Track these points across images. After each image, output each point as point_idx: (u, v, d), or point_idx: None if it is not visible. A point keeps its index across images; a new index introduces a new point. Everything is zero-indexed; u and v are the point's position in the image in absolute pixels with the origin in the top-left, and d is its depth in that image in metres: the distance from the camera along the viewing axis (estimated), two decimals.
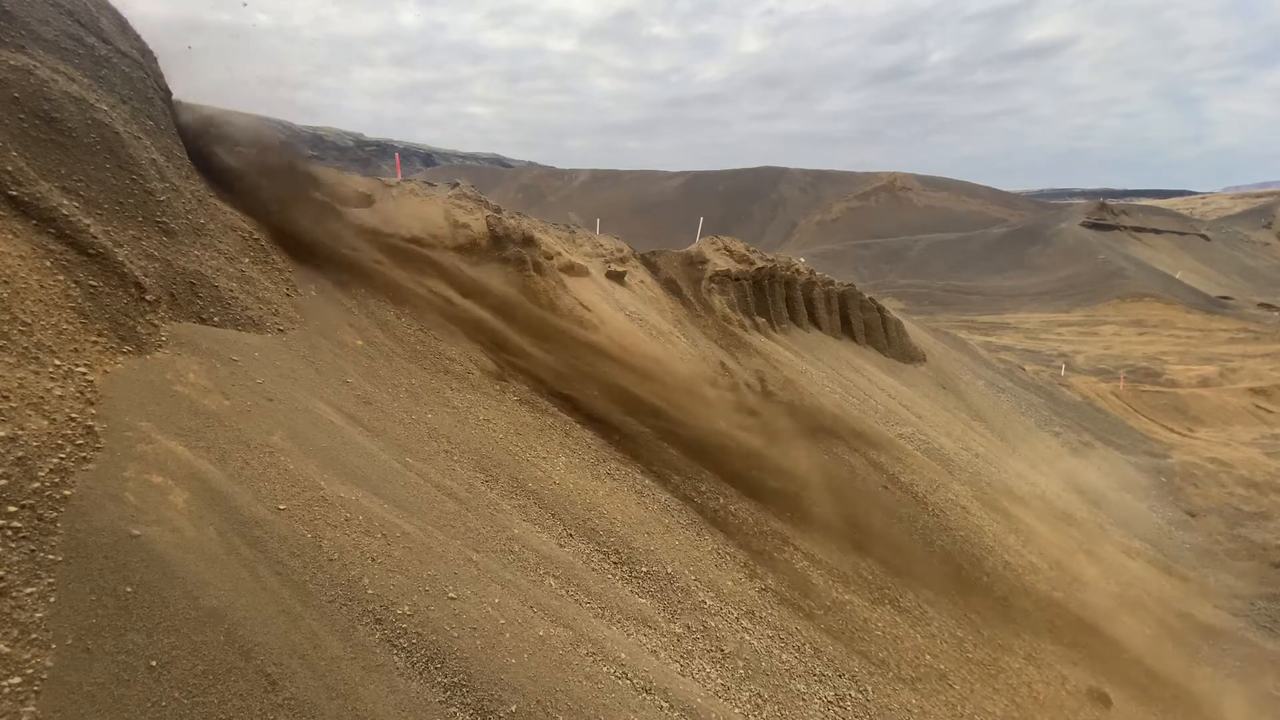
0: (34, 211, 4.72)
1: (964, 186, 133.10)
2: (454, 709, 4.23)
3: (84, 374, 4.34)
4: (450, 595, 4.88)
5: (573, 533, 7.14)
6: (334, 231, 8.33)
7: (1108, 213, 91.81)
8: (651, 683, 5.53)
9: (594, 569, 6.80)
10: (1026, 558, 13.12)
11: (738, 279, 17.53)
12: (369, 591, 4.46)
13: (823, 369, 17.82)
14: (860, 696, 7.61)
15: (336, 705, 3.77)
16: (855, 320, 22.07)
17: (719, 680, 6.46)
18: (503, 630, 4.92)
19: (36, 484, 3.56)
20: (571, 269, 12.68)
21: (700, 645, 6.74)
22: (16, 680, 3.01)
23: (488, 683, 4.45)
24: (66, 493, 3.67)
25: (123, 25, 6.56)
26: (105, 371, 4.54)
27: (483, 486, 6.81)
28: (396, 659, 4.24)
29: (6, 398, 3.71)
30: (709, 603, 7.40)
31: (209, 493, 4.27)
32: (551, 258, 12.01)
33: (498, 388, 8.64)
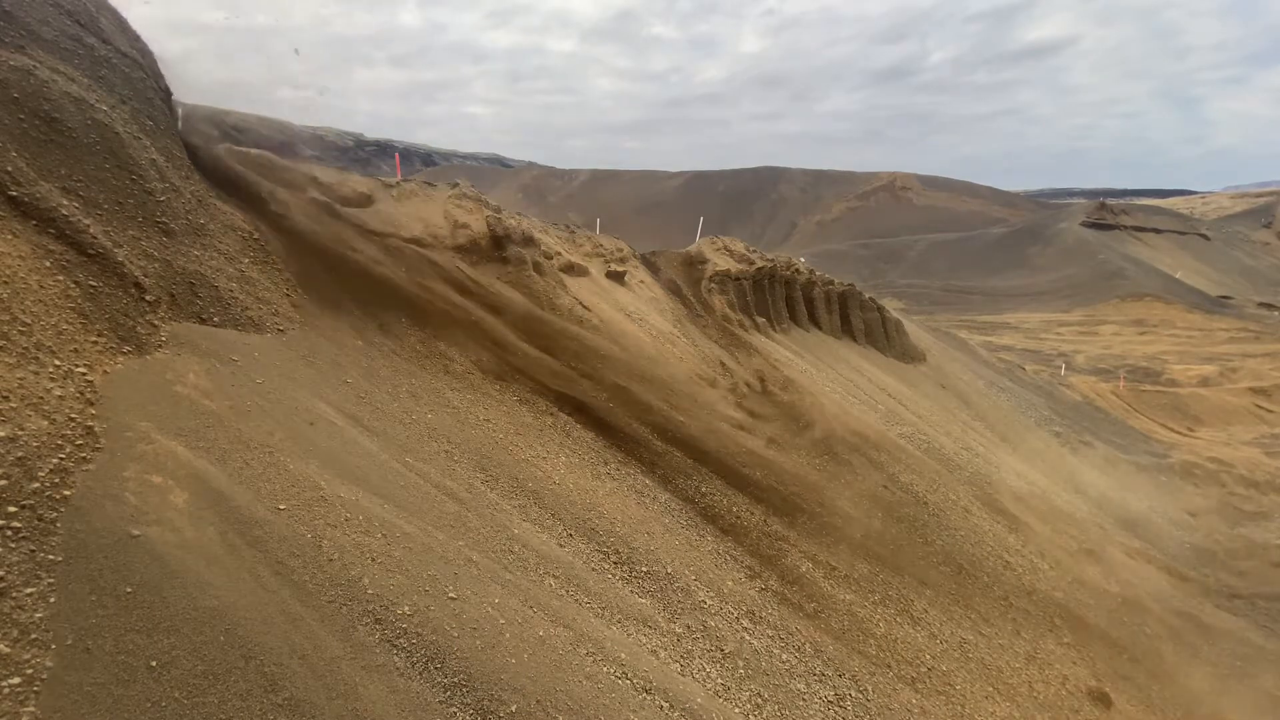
0: (34, 212, 4.72)
1: (964, 186, 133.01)
2: (454, 709, 4.23)
3: (84, 374, 4.34)
4: (450, 595, 4.88)
5: (573, 533, 7.14)
6: (335, 232, 8.33)
7: (1108, 213, 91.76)
8: (651, 683, 5.53)
9: (594, 569, 6.80)
10: (1027, 557, 13.12)
11: (738, 279, 17.53)
12: (369, 591, 4.46)
13: (823, 369, 17.83)
14: (860, 696, 7.61)
15: (336, 705, 3.77)
16: (855, 320, 22.06)
17: (719, 680, 6.46)
18: (503, 630, 4.91)
19: (36, 484, 3.56)
20: (571, 269, 12.68)
21: (700, 645, 6.74)
22: (16, 680, 3.01)
23: (488, 683, 4.45)
24: (66, 493, 3.67)
25: (122, 25, 6.56)
26: (105, 372, 4.54)
27: (483, 486, 6.81)
28: (396, 659, 4.24)
29: (6, 398, 3.71)
30: (709, 603, 7.40)
31: (209, 493, 4.27)
32: (551, 258, 12.00)
33: (498, 388, 8.64)
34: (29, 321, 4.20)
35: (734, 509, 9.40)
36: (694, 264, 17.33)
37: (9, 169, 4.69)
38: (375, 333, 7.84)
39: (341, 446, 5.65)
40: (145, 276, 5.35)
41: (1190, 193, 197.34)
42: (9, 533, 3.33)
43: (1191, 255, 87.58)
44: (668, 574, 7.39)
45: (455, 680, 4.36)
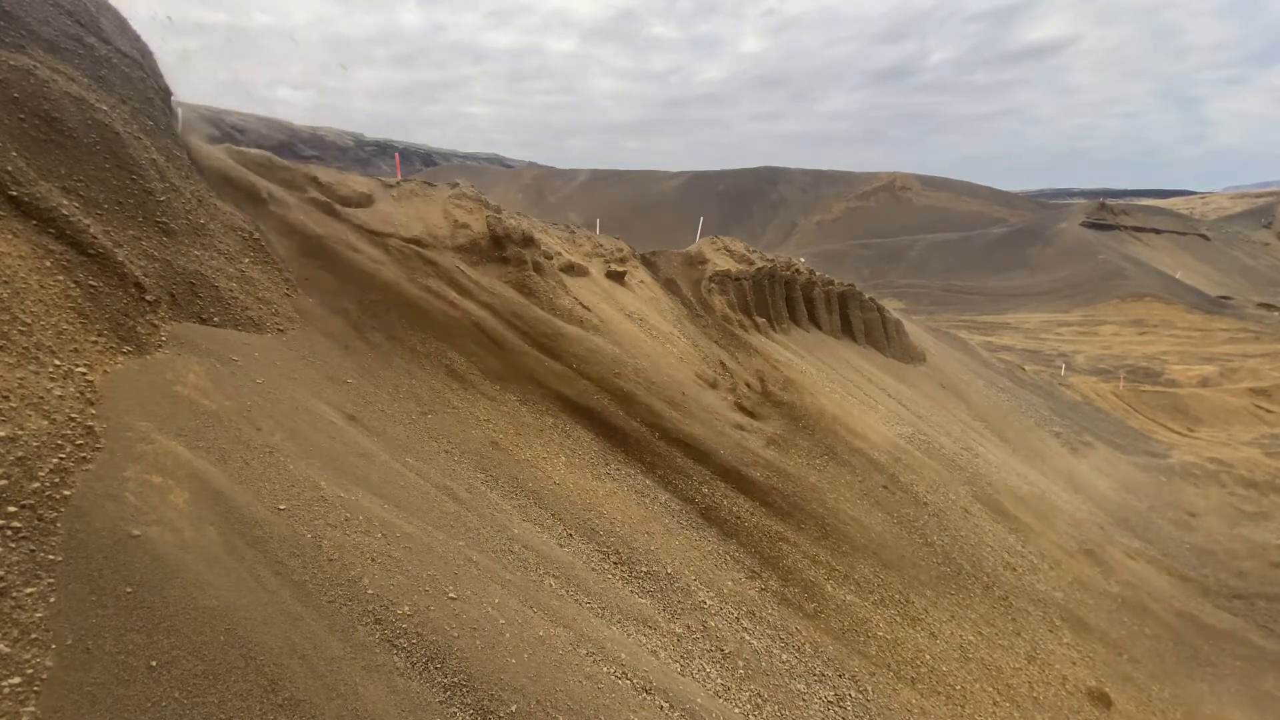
0: (34, 211, 4.72)
1: (964, 186, 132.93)
2: (454, 709, 4.23)
3: (84, 374, 4.34)
4: (450, 595, 4.88)
5: (573, 533, 7.14)
6: (335, 232, 8.34)
7: (1108, 213, 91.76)
8: (651, 683, 5.52)
9: (594, 569, 6.80)
10: (1027, 558, 13.12)
11: (738, 279, 17.52)
12: (369, 591, 4.46)
13: (823, 369, 17.82)
14: (860, 696, 7.61)
15: (336, 705, 3.77)
16: (855, 320, 22.06)
17: (719, 680, 6.46)
18: (503, 630, 4.91)
19: (36, 484, 3.56)
20: (571, 269, 12.68)
21: (700, 645, 6.74)
22: (16, 680, 3.01)
23: (488, 683, 4.45)
24: (66, 493, 3.67)
25: (123, 25, 6.56)
26: (105, 371, 4.54)
27: (483, 486, 6.81)
28: (396, 659, 4.24)
29: (6, 398, 3.71)
30: (709, 603, 7.40)
31: (209, 493, 4.27)
32: (551, 258, 12.00)
33: (498, 388, 8.64)
34: (29, 321, 4.20)
35: (734, 509, 9.40)
36: (694, 264, 17.32)
37: (9, 169, 4.69)
38: (375, 333, 7.84)
39: (341, 446, 5.65)
40: (145, 276, 5.36)
41: (1190, 193, 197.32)
42: (9, 533, 3.33)
43: (1191, 255, 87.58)
44: (668, 574, 7.39)
45: (455, 680, 4.36)
